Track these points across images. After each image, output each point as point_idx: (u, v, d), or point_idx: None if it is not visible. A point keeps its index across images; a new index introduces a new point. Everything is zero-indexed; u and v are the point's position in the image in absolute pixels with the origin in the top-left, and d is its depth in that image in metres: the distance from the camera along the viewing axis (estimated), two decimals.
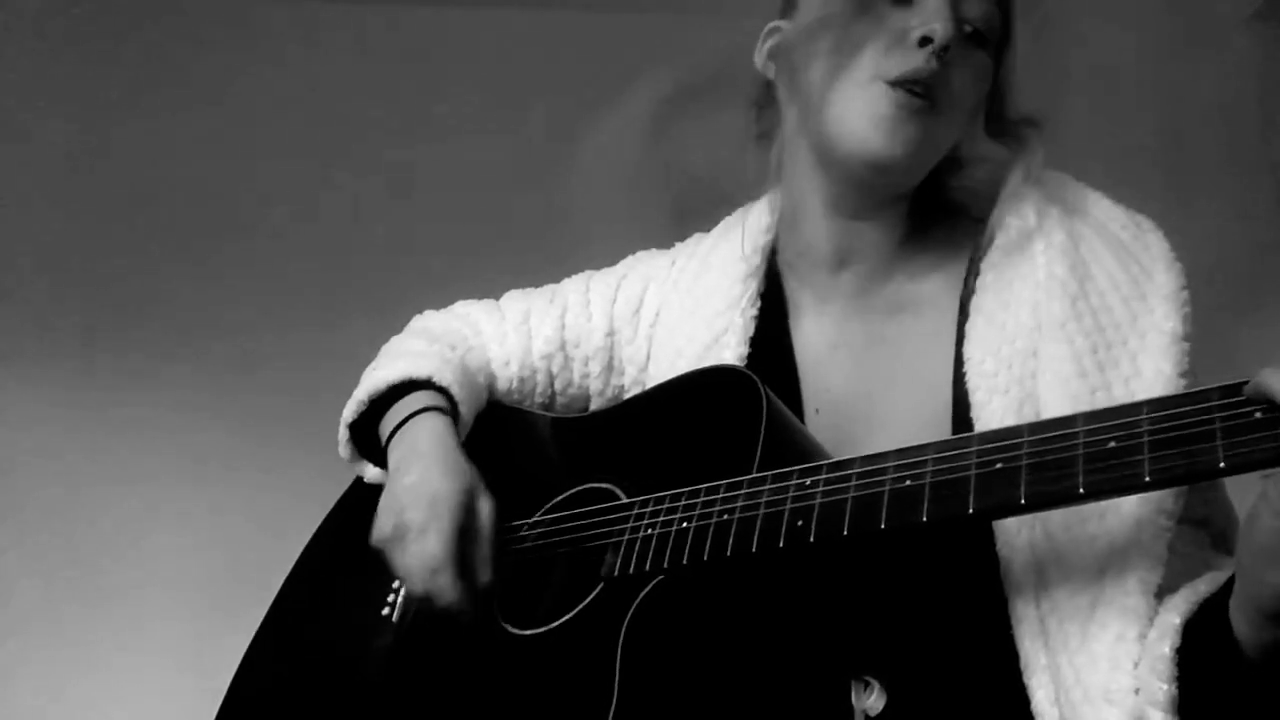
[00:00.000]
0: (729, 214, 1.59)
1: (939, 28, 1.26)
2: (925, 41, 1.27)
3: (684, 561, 1.17)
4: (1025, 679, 1.14)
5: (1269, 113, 2.68)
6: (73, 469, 2.75)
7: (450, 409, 1.46)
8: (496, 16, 2.98)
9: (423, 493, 1.32)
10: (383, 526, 1.34)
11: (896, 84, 1.28)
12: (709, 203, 1.62)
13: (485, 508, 1.34)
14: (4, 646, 2.65)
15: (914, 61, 1.27)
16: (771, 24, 1.46)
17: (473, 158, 2.90)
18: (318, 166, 2.92)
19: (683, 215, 1.67)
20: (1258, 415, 0.90)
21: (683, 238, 1.65)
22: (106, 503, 2.73)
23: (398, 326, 1.62)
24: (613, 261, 1.65)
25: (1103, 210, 1.33)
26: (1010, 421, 1.19)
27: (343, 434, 1.52)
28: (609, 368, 1.57)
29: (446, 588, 1.28)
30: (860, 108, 1.29)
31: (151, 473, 2.75)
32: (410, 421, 1.43)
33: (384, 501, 1.36)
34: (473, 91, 2.97)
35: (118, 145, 2.91)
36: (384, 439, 1.45)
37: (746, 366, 1.41)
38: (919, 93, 1.27)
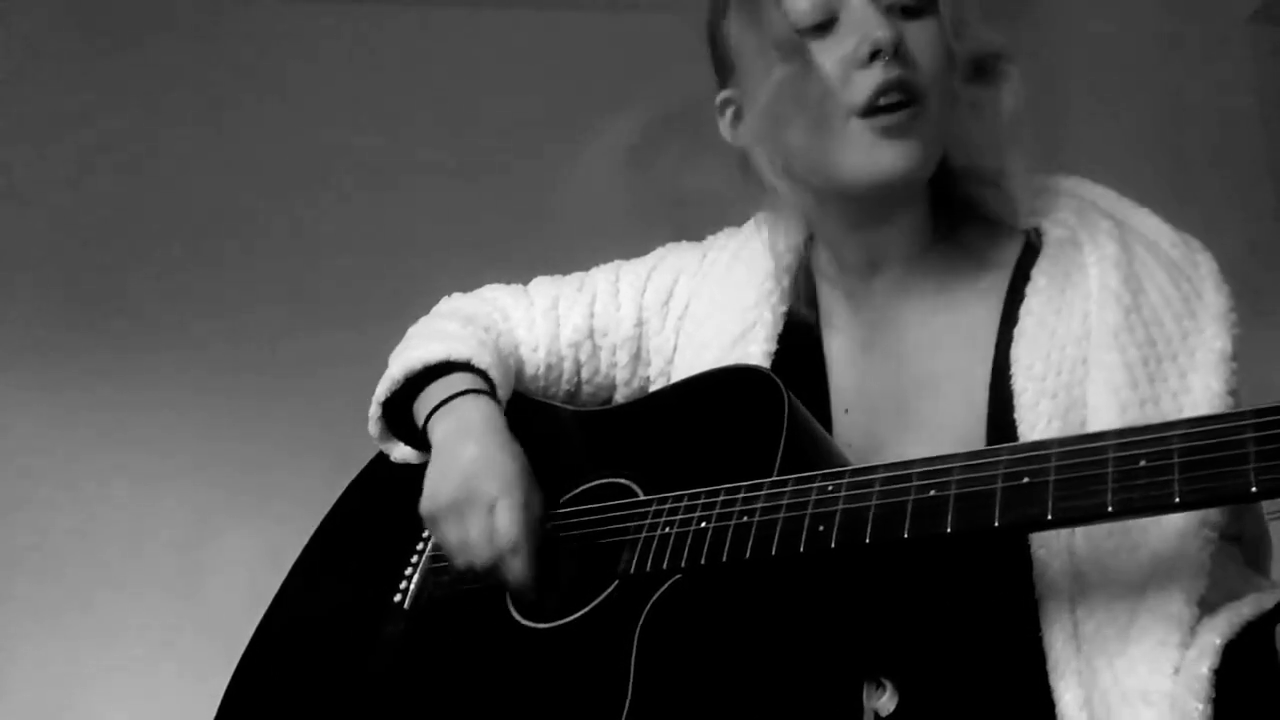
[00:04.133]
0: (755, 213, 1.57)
1: (880, 35, 1.26)
2: (874, 55, 1.26)
3: (701, 562, 1.17)
4: (1052, 681, 1.13)
5: (1269, 113, 2.69)
6: (72, 472, 2.74)
7: (489, 392, 1.46)
8: (499, 17, 2.97)
9: (493, 468, 1.32)
10: (438, 496, 1.33)
11: (871, 111, 1.27)
12: (705, 214, 1.62)
13: (536, 494, 1.34)
14: (7, 642, 2.64)
15: (875, 78, 1.26)
16: (722, 95, 1.44)
17: (474, 159, 2.89)
18: (319, 168, 2.91)
19: (680, 229, 1.67)
20: None
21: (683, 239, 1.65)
22: (106, 505, 2.72)
23: (402, 329, 1.61)
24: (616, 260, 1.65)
25: (1152, 228, 1.33)
26: (1056, 425, 1.20)
27: (375, 411, 1.52)
28: (636, 358, 1.57)
29: (520, 569, 1.28)
30: (852, 153, 1.29)
31: (152, 476, 2.74)
32: (456, 400, 1.43)
33: (439, 470, 1.35)
34: (474, 92, 2.96)
35: (118, 147, 2.90)
36: (420, 417, 1.45)
37: (773, 363, 1.42)
38: (898, 103, 1.27)
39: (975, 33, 1.33)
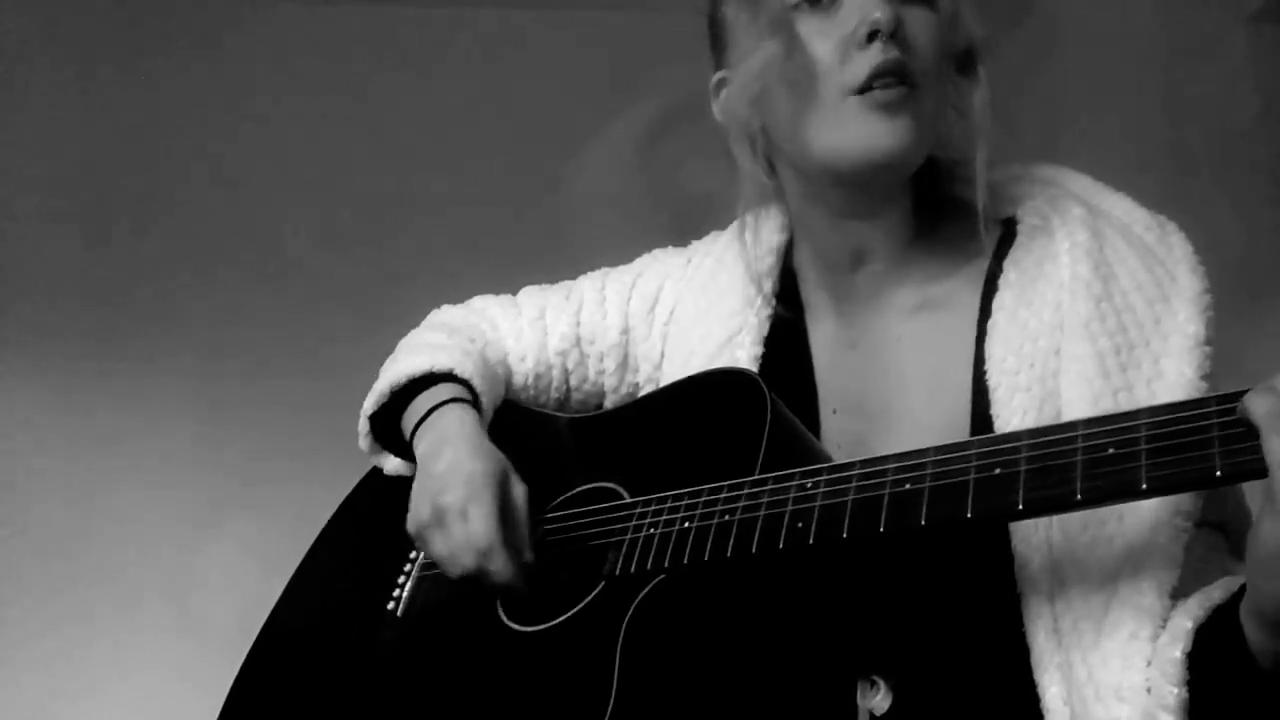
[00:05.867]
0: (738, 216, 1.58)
1: (879, 16, 1.25)
2: (873, 35, 1.26)
3: (684, 561, 1.17)
4: (1036, 676, 1.13)
5: (1269, 113, 2.68)
6: (74, 476, 2.75)
7: (472, 400, 1.47)
8: (500, 17, 2.98)
9: (458, 475, 1.32)
10: (419, 511, 1.34)
11: (866, 89, 1.26)
12: (703, 214, 1.62)
13: (518, 489, 1.35)
14: (4, 650, 2.65)
15: (872, 59, 1.26)
16: (717, 76, 1.44)
17: (475, 162, 2.90)
18: (321, 172, 2.92)
19: (680, 227, 1.67)
20: None
21: (682, 242, 1.65)
22: (107, 509, 2.73)
23: (401, 333, 1.63)
24: (616, 263, 1.66)
25: (1125, 211, 1.32)
26: (1031, 419, 1.20)
27: (363, 426, 1.54)
28: (623, 365, 1.57)
29: (501, 565, 1.28)
30: (845, 128, 1.28)
31: (154, 480, 2.75)
32: (436, 412, 1.44)
33: (417, 488, 1.36)
34: (475, 93, 2.97)
35: (120, 149, 2.91)
36: (407, 430, 1.46)
37: (761, 367, 1.42)
38: (892, 84, 1.26)
39: (967, 25, 1.33)
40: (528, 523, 1.33)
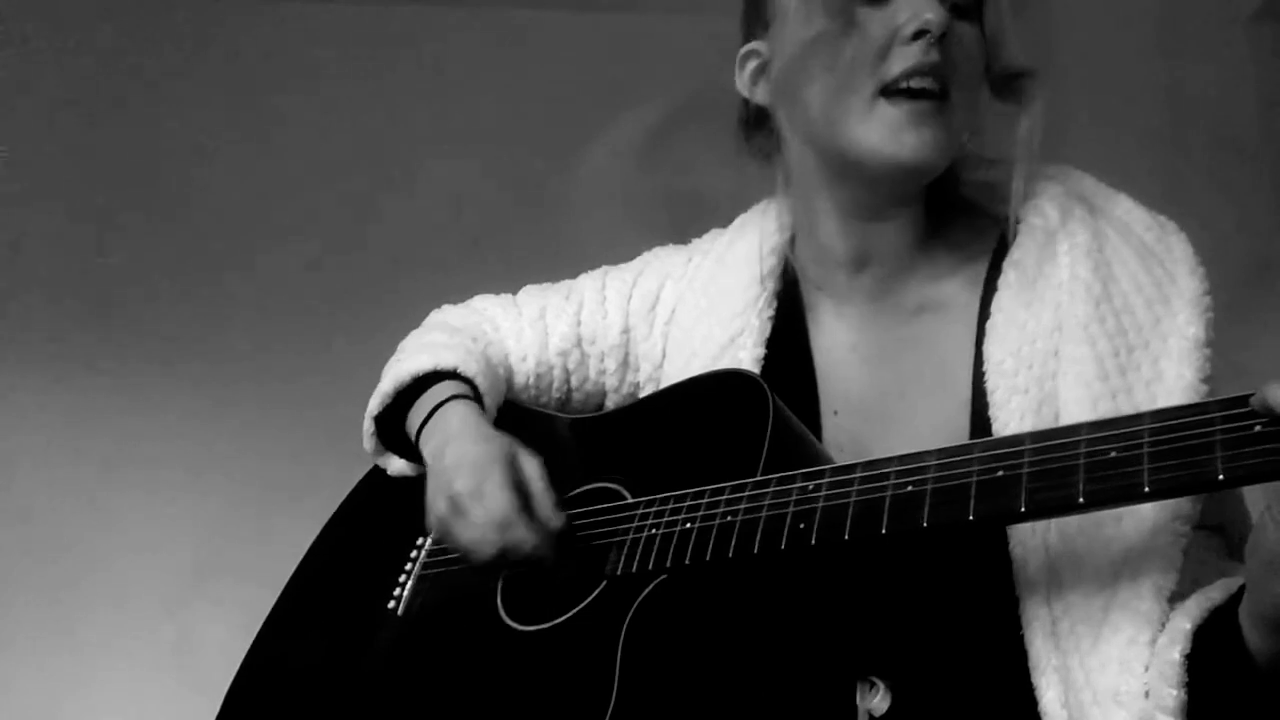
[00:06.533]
0: (742, 213, 1.58)
1: (931, 17, 1.25)
2: (919, 34, 1.26)
3: (686, 561, 1.17)
4: (1034, 679, 1.13)
5: (1268, 112, 2.68)
6: (72, 475, 2.75)
7: (475, 398, 1.47)
8: (499, 17, 2.98)
9: (464, 463, 1.32)
10: (437, 508, 1.33)
11: (900, 90, 1.27)
12: (704, 213, 1.62)
13: (529, 462, 1.34)
14: (2, 651, 2.65)
15: (912, 57, 1.26)
16: (746, 48, 1.44)
17: (475, 161, 2.90)
18: (319, 171, 2.92)
19: (680, 227, 1.67)
20: (1257, 428, 0.91)
21: (682, 241, 1.65)
22: (107, 510, 2.73)
23: (398, 333, 1.63)
24: (616, 262, 1.66)
25: (1126, 211, 1.32)
26: (1029, 422, 1.19)
27: (368, 426, 1.54)
28: (624, 364, 1.57)
29: (524, 537, 1.27)
30: (872, 126, 1.29)
31: (151, 480, 2.75)
32: (440, 410, 1.44)
33: (430, 487, 1.36)
34: (476, 94, 2.96)
35: (121, 147, 2.91)
36: (413, 431, 1.46)
37: (763, 368, 1.41)
38: (927, 89, 1.26)
39: (1011, 50, 1.33)
40: (548, 490, 1.32)
